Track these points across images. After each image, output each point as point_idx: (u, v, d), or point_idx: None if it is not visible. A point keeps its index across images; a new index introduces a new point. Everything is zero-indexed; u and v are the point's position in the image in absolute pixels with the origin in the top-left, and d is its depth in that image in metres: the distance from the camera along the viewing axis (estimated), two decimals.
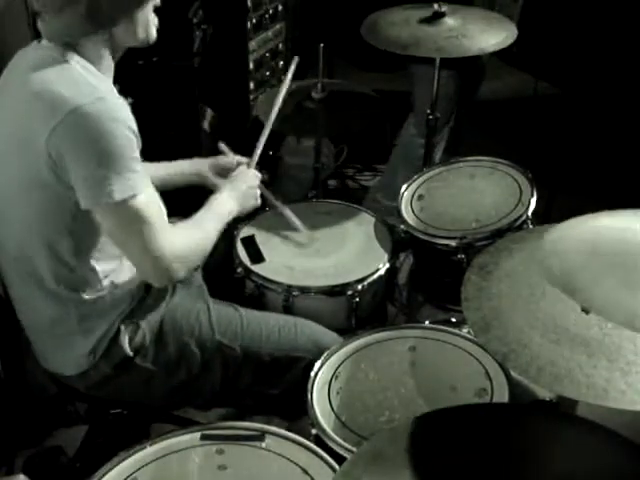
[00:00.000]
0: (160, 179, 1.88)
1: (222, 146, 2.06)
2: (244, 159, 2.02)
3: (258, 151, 2.01)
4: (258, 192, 1.92)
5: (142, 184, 1.49)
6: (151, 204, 1.52)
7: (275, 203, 2.08)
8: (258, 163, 2.02)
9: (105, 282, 1.63)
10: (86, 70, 1.49)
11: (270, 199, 2.07)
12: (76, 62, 1.49)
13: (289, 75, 2.14)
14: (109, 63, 1.56)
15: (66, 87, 1.44)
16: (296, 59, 2.18)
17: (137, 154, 1.48)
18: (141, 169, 1.49)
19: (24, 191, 1.52)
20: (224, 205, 1.78)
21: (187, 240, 1.62)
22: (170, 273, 1.59)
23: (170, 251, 1.55)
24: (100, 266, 1.61)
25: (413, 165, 2.96)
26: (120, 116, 1.44)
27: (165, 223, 1.57)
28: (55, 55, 1.49)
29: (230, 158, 2.02)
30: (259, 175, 1.95)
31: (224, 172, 1.98)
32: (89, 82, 1.46)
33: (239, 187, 1.85)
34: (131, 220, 1.49)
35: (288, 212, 2.09)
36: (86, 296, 1.62)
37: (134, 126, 1.47)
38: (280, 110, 2.14)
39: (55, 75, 1.46)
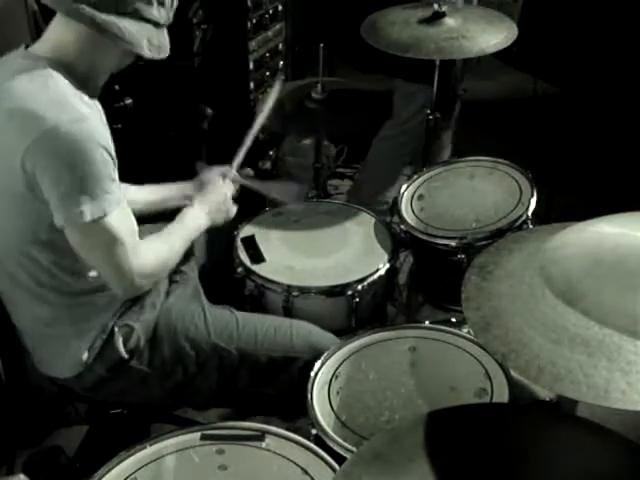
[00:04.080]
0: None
1: (200, 165, 2.05)
2: (228, 169, 2.00)
3: (238, 159, 2.01)
4: (231, 206, 1.91)
5: (114, 204, 1.48)
6: (122, 223, 1.52)
7: (261, 188, 2.04)
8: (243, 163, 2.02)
9: (95, 283, 1.62)
10: (66, 86, 1.47)
11: (255, 187, 2.03)
12: (57, 76, 1.47)
13: (273, 94, 2.13)
14: (101, 84, 1.57)
15: (46, 103, 1.42)
16: (281, 78, 2.17)
17: (112, 174, 1.48)
18: (115, 188, 1.48)
19: (3, 203, 1.52)
20: (195, 220, 1.79)
21: (155, 258, 1.63)
22: (136, 289, 1.62)
23: (138, 270, 1.57)
24: (87, 269, 1.60)
25: (380, 168, 3.00)
26: (96, 137, 1.43)
27: (135, 242, 1.57)
28: (38, 66, 1.47)
29: (213, 173, 1.99)
30: (232, 187, 1.94)
31: None
32: (70, 100, 1.45)
33: (210, 201, 1.85)
34: (101, 240, 1.50)
35: (276, 188, 2.07)
36: (75, 299, 1.62)
37: (111, 148, 1.47)
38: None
39: (37, 89, 1.45)
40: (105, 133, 1.49)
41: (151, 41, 1.51)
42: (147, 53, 1.51)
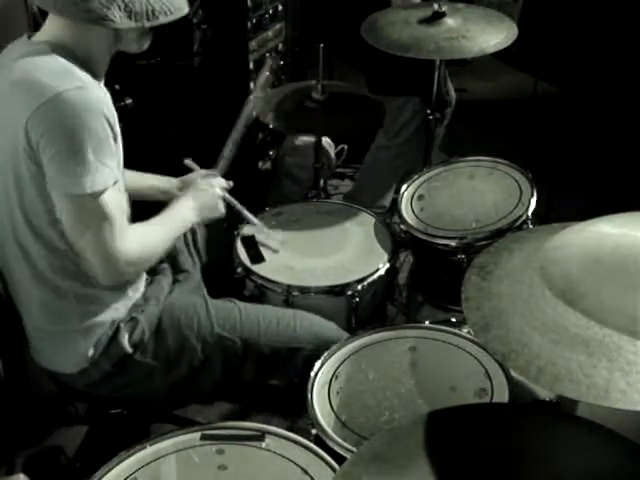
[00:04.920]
0: (129, 187, 1.88)
1: (188, 162, 2.04)
2: (212, 172, 1.99)
3: (223, 160, 2.00)
4: (220, 202, 1.89)
5: (112, 180, 1.48)
6: (116, 202, 1.52)
7: (240, 209, 2.02)
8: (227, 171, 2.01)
9: None
10: (69, 63, 1.48)
11: (235, 205, 2.01)
12: (63, 56, 1.48)
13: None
14: (104, 67, 1.57)
15: (47, 74, 1.44)
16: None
17: (112, 149, 1.48)
18: (113, 165, 1.49)
19: (12, 182, 1.52)
20: (182, 214, 1.77)
21: (142, 244, 1.61)
22: (119, 274, 1.59)
23: (124, 253, 1.54)
24: None
25: (377, 176, 3.00)
26: (99, 107, 1.44)
27: (125, 223, 1.57)
28: (41, 50, 1.49)
29: (197, 174, 2.00)
30: (224, 184, 1.93)
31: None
32: (72, 71, 1.46)
33: (199, 197, 1.83)
34: (94, 214, 1.48)
35: (248, 215, 2.05)
36: (87, 289, 1.61)
37: (112, 119, 1.47)
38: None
39: (38, 63, 1.47)
40: (107, 102, 1.49)
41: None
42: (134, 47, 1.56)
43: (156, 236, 1.68)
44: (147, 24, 1.49)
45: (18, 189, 1.52)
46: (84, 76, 1.48)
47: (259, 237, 2.06)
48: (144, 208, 1.80)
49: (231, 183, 1.97)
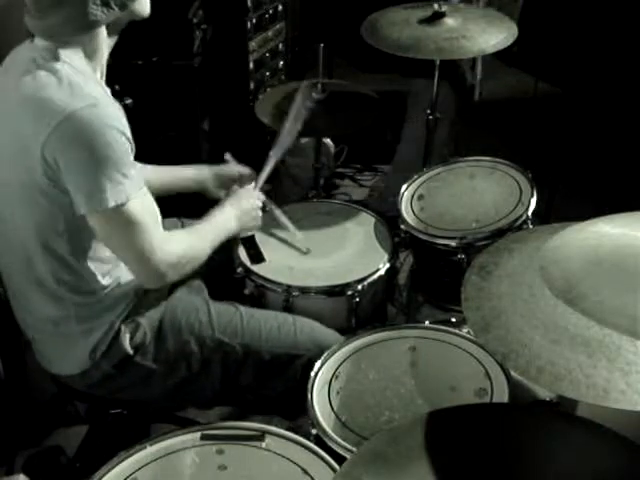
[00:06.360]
0: (163, 183, 1.89)
1: (228, 156, 2.05)
2: (247, 170, 2.01)
3: (264, 175, 2.00)
4: (260, 213, 1.91)
5: (135, 189, 1.49)
6: (145, 209, 1.53)
7: (278, 214, 2.07)
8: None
9: (104, 282, 1.63)
10: (78, 72, 1.48)
11: (274, 209, 2.05)
12: (68, 63, 1.48)
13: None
14: (103, 54, 1.56)
15: (59, 92, 1.44)
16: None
17: (131, 159, 1.49)
18: (135, 174, 1.49)
19: (22, 194, 1.52)
20: (225, 222, 1.79)
21: (182, 248, 1.63)
22: (161, 277, 1.60)
23: (162, 256, 1.56)
24: (98, 266, 1.62)
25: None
26: (114, 122, 1.45)
27: (159, 228, 1.58)
28: (47, 56, 1.48)
29: (233, 168, 2.02)
30: (262, 197, 1.95)
31: (226, 183, 1.99)
32: (82, 87, 1.46)
33: (242, 206, 1.85)
34: (124, 225, 1.50)
35: (281, 216, 2.08)
36: (86, 297, 1.62)
37: (127, 131, 1.48)
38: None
39: (47, 80, 1.46)
40: (120, 116, 1.50)
41: None
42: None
43: (199, 240, 1.70)
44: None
45: (31, 203, 1.52)
46: (95, 89, 1.49)
47: (291, 240, 2.08)
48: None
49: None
